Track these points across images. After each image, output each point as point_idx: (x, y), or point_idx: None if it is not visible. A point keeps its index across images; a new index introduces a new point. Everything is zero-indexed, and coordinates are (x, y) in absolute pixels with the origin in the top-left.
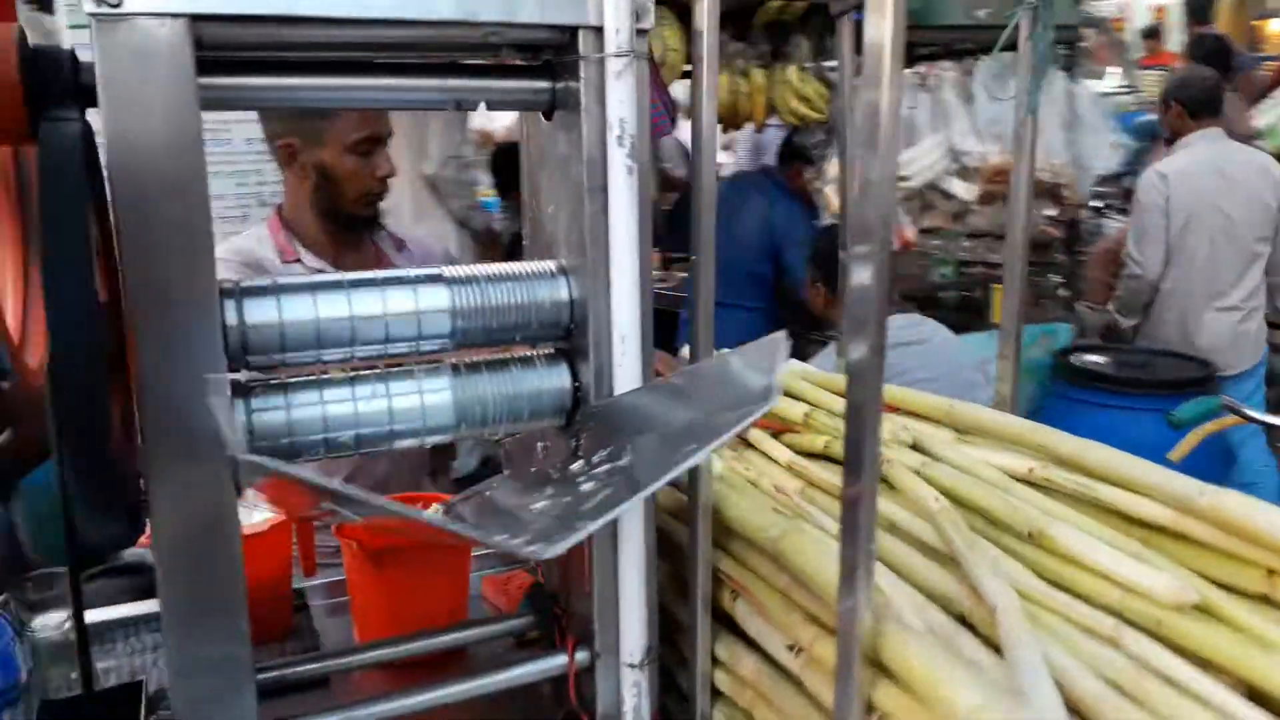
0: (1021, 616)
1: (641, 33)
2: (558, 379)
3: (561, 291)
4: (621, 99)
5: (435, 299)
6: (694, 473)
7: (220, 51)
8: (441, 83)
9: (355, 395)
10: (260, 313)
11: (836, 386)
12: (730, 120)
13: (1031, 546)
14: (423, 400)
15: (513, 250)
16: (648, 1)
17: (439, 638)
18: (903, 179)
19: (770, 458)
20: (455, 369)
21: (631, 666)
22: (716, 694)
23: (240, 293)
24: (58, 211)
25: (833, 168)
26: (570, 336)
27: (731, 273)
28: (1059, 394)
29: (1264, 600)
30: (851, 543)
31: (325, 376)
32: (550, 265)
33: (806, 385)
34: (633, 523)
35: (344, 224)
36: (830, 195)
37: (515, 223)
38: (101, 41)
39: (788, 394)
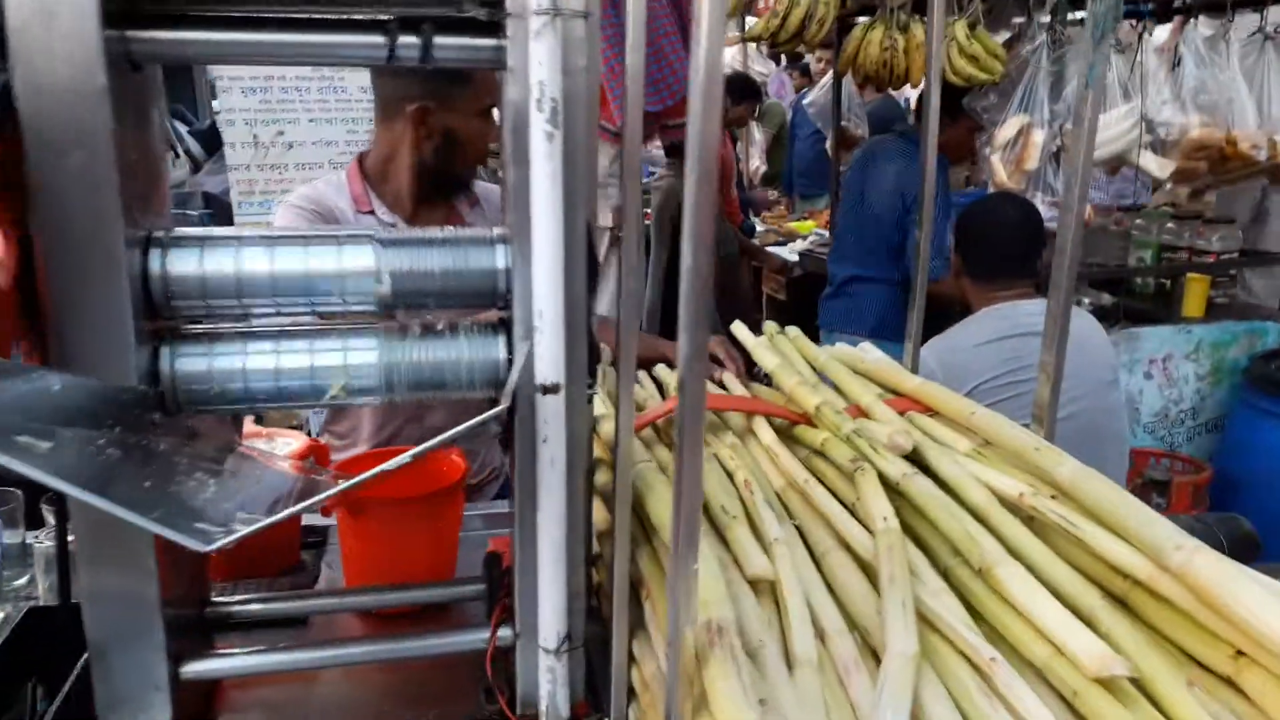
0: (909, 665)
1: None
2: (491, 350)
3: (498, 260)
4: (541, 60)
5: (360, 260)
6: (616, 462)
7: (150, 5)
8: (380, 39)
9: (279, 349)
10: (183, 263)
11: (884, 378)
12: (880, 79)
13: (981, 583)
14: (346, 359)
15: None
16: None
17: (386, 595)
18: None
19: (765, 449)
20: (388, 331)
21: (547, 652)
22: (634, 692)
23: (167, 243)
24: None
25: (1005, 132)
26: (509, 307)
27: (869, 245)
28: (1245, 400)
29: (1227, 684)
30: (674, 560)
31: (252, 329)
32: (491, 233)
33: (845, 375)
34: (551, 506)
35: (442, 184)
36: (997, 164)
37: (679, 181)
38: None
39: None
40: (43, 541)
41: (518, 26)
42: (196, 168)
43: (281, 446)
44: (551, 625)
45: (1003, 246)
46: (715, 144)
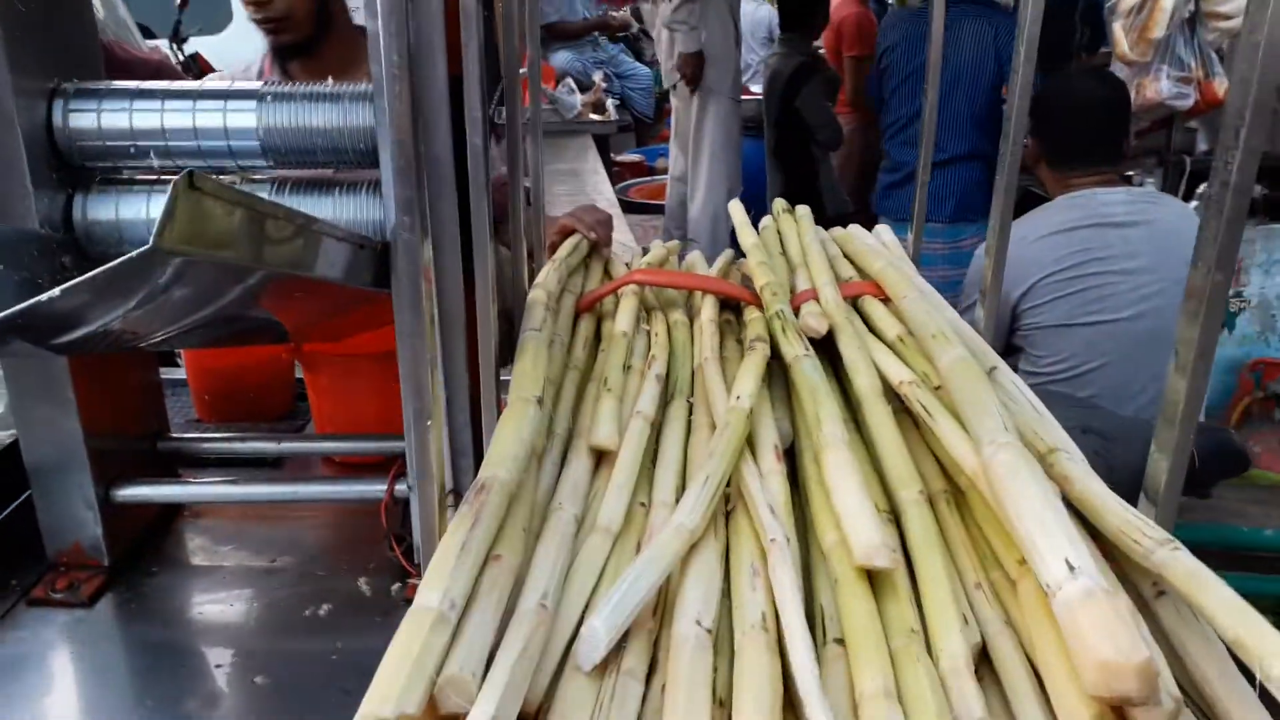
0: (680, 537)
1: None
2: (377, 210)
3: (373, 117)
4: None
5: (242, 116)
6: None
7: None
8: None
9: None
10: (82, 116)
11: (862, 261)
12: None
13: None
14: None
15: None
16: None
17: (320, 443)
18: (1224, 17)
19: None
20: (278, 186)
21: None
22: None
23: (71, 94)
24: None
25: None
26: None
27: (945, 120)
28: None
29: (1010, 585)
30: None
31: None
32: (368, 89)
33: (817, 256)
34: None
35: (277, 53)
36: (1118, 32)
37: (789, 61)
38: None
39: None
40: None
41: None
42: None
43: None
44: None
45: (1084, 128)
46: None
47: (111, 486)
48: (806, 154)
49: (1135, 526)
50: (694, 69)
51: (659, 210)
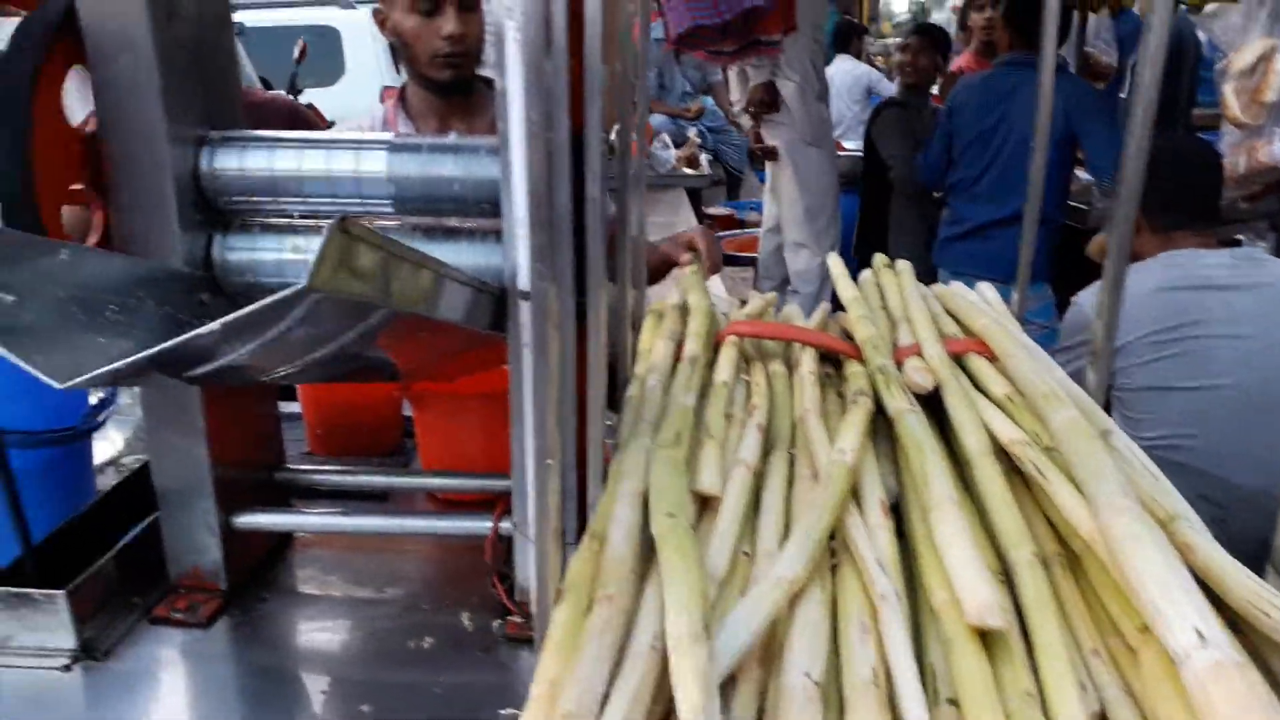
0: (780, 589)
1: None
2: (496, 257)
3: (496, 169)
4: None
5: (373, 164)
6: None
7: None
8: None
9: (312, 245)
10: (226, 161)
11: (966, 318)
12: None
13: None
14: None
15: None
16: None
17: (426, 479)
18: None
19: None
20: (410, 232)
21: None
22: None
23: (217, 142)
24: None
25: (1242, 58)
26: None
27: (1012, 181)
28: None
29: (1129, 652)
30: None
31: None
32: (493, 142)
33: (919, 312)
34: (528, 408)
35: (436, 90)
36: (1229, 96)
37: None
38: None
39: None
40: None
41: None
42: None
43: None
44: (534, 520)
45: (1187, 185)
46: None
47: (232, 514)
48: (885, 198)
49: (1264, 598)
50: (765, 95)
51: (749, 262)
